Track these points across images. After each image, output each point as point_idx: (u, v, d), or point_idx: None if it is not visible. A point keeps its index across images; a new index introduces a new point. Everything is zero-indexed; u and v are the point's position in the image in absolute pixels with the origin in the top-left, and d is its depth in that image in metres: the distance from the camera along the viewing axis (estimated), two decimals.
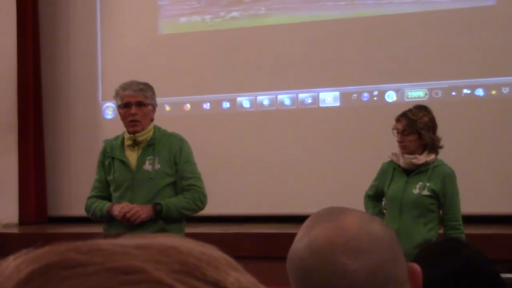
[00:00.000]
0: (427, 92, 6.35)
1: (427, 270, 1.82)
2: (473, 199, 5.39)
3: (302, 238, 1.14)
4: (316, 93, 6.66)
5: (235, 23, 6.96)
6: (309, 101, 6.68)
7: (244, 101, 6.87)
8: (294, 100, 6.72)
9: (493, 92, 6.22)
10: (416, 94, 6.38)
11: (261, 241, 5.55)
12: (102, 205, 3.87)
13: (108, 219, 3.86)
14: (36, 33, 7.40)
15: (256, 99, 6.83)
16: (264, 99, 6.81)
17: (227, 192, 6.72)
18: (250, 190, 6.67)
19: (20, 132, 7.23)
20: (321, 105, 6.66)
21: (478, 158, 6.06)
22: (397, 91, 6.45)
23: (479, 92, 6.25)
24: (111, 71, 7.15)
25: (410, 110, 4.12)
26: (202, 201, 3.92)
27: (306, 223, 1.18)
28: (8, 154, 7.15)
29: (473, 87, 6.26)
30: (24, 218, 7.15)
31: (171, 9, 7.15)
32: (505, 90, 6.18)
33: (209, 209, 6.74)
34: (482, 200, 5.89)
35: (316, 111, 6.64)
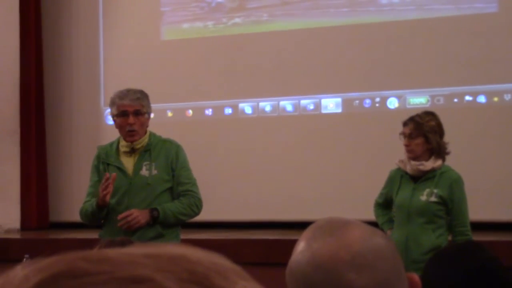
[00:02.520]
0: (429, 98, 6.35)
1: (440, 273, 1.82)
2: (475, 206, 5.37)
3: (304, 251, 1.13)
4: (318, 100, 6.66)
5: (237, 29, 6.97)
6: (311, 107, 6.68)
7: (246, 107, 6.87)
8: (296, 106, 6.72)
9: (495, 99, 6.21)
10: (418, 100, 6.38)
11: (263, 247, 5.55)
12: (92, 202, 3.87)
13: (99, 213, 3.83)
14: (39, 39, 7.41)
15: (258, 105, 6.83)
16: (266, 105, 6.81)
17: (229, 198, 6.71)
18: (251, 196, 6.66)
19: (22, 137, 7.23)
20: (323, 111, 6.65)
21: (480, 164, 6.05)
22: (399, 97, 6.45)
23: (481, 99, 6.25)
24: (114, 77, 7.16)
25: (417, 114, 4.16)
26: (198, 206, 3.93)
27: (307, 234, 1.17)
28: (10, 160, 7.15)
29: (475, 94, 6.26)
30: (26, 223, 7.14)
31: (174, 15, 7.16)
32: (507, 97, 6.18)
33: (211, 215, 6.77)
34: (484, 206, 5.87)
35: (318, 118, 6.64)
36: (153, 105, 7.26)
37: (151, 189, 3.84)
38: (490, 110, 6.21)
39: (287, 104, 6.74)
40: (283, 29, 6.81)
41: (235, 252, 5.31)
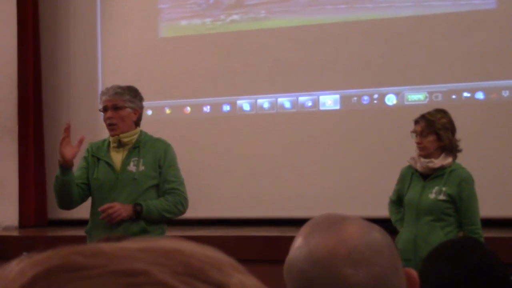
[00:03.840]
0: (427, 95, 6.35)
1: (438, 269, 1.82)
2: None
3: (301, 247, 1.13)
4: (316, 96, 6.66)
5: (235, 26, 6.97)
6: (309, 104, 6.68)
7: (244, 104, 6.87)
8: (294, 103, 6.72)
9: (493, 95, 6.22)
10: (416, 97, 6.38)
11: (262, 244, 5.55)
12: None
13: (62, 175, 3.81)
14: (37, 37, 7.41)
15: (256, 102, 6.83)
16: (264, 102, 6.81)
17: (227, 195, 6.72)
18: (250, 193, 6.67)
19: (20, 135, 7.23)
20: (321, 108, 6.66)
21: (479, 161, 6.05)
22: (397, 94, 6.45)
23: (479, 95, 6.25)
24: (111, 75, 7.15)
25: (428, 112, 4.16)
26: (183, 205, 3.94)
27: (304, 230, 1.17)
28: (8, 157, 7.15)
29: (473, 90, 6.26)
30: (24, 221, 7.14)
31: (172, 12, 7.16)
32: (505, 93, 6.18)
33: (210, 212, 6.78)
34: (483, 203, 5.86)
35: (316, 114, 6.64)
36: (151, 102, 7.29)
37: (137, 185, 3.87)
38: (488, 106, 6.21)
39: (285, 101, 6.75)
40: (281, 26, 6.81)
41: (235, 249, 5.31)
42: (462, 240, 2.16)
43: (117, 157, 3.93)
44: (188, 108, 7.04)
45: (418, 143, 4.10)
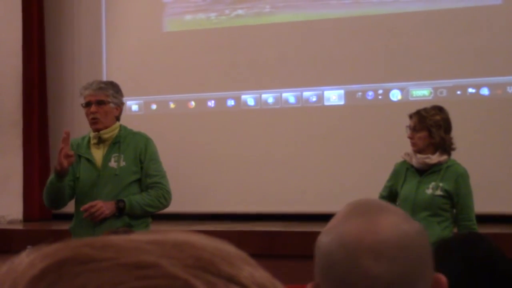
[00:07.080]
0: (432, 91, 6.34)
1: (443, 264, 1.82)
2: (479, 198, 5.38)
3: (334, 228, 1.11)
4: (321, 92, 6.66)
5: (240, 21, 6.96)
6: (314, 99, 6.68)
7: (249, 99, 6.87)
8: (298, 98, 6.72)
9: (498, 91, 6.21)
10: (421, 93, 6.37)
11: (266, 239, 5.55)
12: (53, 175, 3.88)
13: (57, 181, 3.83)
14: (41, 31, 7.41)
15: (260, 97, 6.83)
16: (269, 97, 6.80)
17: (232, 190, 6.72)
18: (254, 188, 6.67)
19: (25, 129, 7.24)
20: (326, 103, 6.65)
21: (483, 157, 6.05)
22: (402, 89, 6.44)
23: (484, 91, 6.24)
24: (116, 69, 7.16)
25: (424, 108, 4.15)
26: (166, 198, 3.93)
27: (342, 212, 1.14)
28: (13, 152, 7.16)
29: (478, 86, 6.25)
30: (28, 214, 7.16)
31: (176, 7, 7.15)
32: (510, 89, 6.17)
33: (214, 207, 6.78)
34: (487, 199, 5.87)
35: (321, 110, 6.64)
36: (156, 97, 7.28)
37: (119, 180, 3.87)
38: (493, 102, 6.20)
39: (289, 96, 6.74)
40: (285, 21, 6.80)
41: (238, 243, 5.29)
42: (466, 236, 2.16)
43: (97, 154, 3.93)
44: (193, 103, 7.04)
45: (409, 138, 4.11)
